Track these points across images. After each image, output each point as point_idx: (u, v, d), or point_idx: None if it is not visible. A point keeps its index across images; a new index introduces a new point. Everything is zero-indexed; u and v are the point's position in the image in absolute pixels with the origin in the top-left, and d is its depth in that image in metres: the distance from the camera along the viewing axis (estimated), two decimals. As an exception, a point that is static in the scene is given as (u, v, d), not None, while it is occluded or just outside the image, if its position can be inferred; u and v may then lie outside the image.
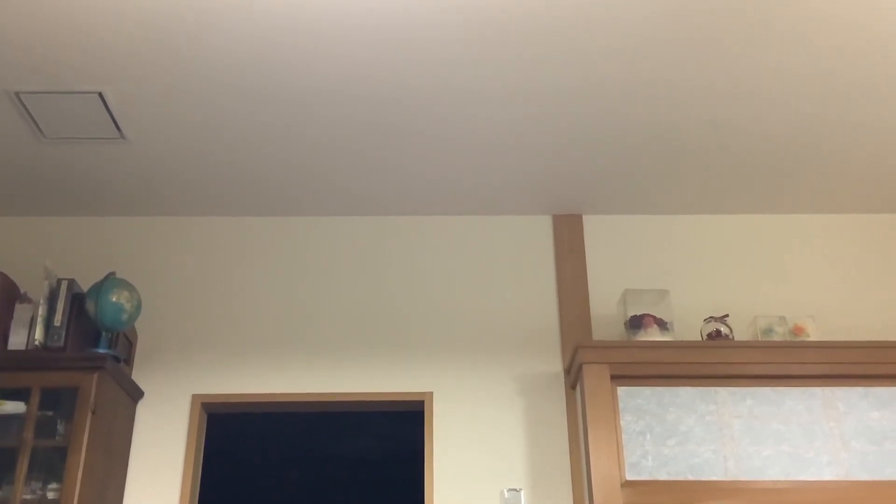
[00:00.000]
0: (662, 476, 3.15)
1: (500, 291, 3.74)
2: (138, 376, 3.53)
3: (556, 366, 3.60)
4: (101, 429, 3.12)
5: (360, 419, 5.42)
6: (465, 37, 2.87)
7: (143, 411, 3.49)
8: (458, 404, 3.52)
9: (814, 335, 3.46)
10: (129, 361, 3.51)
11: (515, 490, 3.36)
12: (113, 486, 3.26)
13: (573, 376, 3.45)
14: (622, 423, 3.23)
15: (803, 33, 2.87)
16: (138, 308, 3.35)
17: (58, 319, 3.24)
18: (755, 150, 3.47)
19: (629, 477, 3.14)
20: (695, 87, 3.12)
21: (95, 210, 3.83)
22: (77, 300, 3.30)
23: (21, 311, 3.28)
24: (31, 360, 3.17)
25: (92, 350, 3.24)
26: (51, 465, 3.09)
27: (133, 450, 3.42)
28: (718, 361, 3.28)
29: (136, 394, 3.47)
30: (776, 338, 3.44)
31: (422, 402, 3.53)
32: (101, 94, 3.10)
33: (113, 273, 3.35)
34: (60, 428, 3.15)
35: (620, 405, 3.25)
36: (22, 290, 3.39)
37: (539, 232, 3.87)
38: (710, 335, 3.46)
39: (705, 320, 3.52)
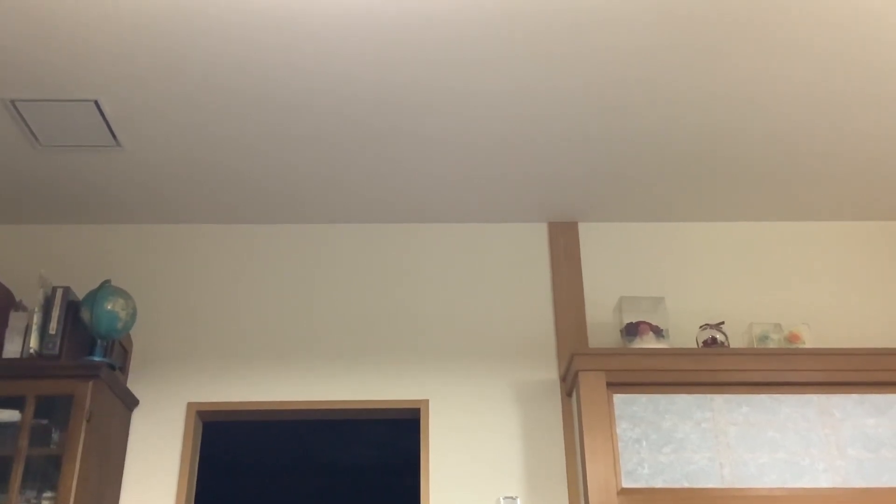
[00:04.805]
0: (658, 483, 3.15)
1: (496, 299, 3.74)
2: (133, 384, 3.53)
3: (551, 373, 3.60)
4: (95, 437, 3.12)
5: (355, 427, 5.41)
6: (462, 41, 2.87)
7: (138, 419, 3.48)
8: (453, 412, 3.52)
9: (809, 342, 3.46)
10: (124, 369, 3.50)
11: (511, 498, 3.35)
12: (108, 494, 3.25)
13: (569, 384, 3.45)
14: (618, 430, 3.22)
15: (800, 41, 2.88)
16: (133, 316, 3.34)
17: (53, 328, 3.24)
18: (751, 157, 3.47)
19: (625, 484, 3.14)
20: (691, 94, 3.12)
21: (91, 218, 3.82)
22: (72, 308, 3.30)
23: (16, 320, 3.28)
24: (25, 368, 3.17)
25: (87, 358, 3.24)
26: (45, 474, 3.08)
27: (128, 458, 3.41)
28: (714, 369, 3.28)
29: (131, 402, 3.46)
30: (772, 345, 3.44)
31: (417, 410, 3.52)
32: (96, 102, 3.10)
33: (108, 281, 3.35)
34: (55, 436, 3.14)
35: (616, 412, 3.25)
36: (17, 299, 3.39)
37: (535, 239, 3.88)
38: (705, 342, 3.46)
39: (701, 327, 3.52)
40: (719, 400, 3.27)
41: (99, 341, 3.27)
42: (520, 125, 3.27)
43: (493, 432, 3.48)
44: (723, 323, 3.53)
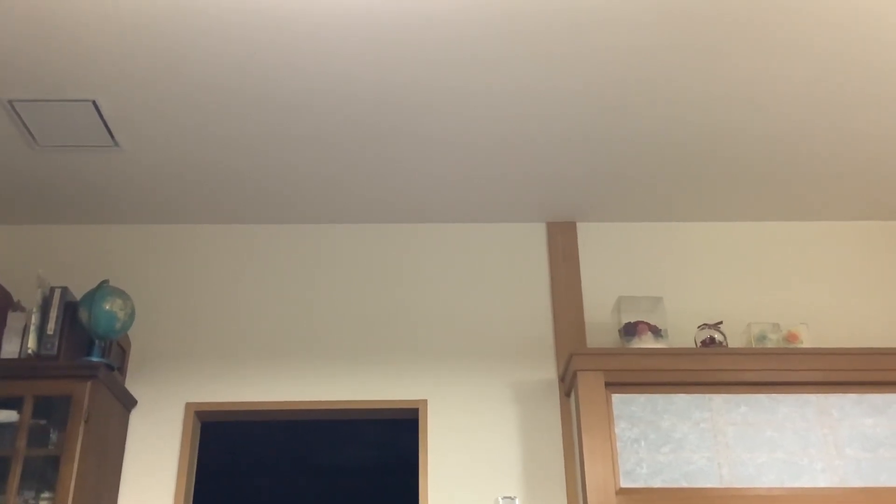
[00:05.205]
0: (657, 483, 3.15)
1: (495, 299, 3.74)
2: (132, 385, 3.52)
3: (550, 373, 3.60)
4: (94, 437, 3.11)
5: (354, 427, 5.41)
6: (462, 41, 2.86)
7: (136, 420, 3.48)
8: (452, 412, 3.52)
9: (807, 342, 3.46)
10: (122, 370, 3.50)
11: (510, 498, 3.35)
12: (106, 495, 3.24)
13: (567, 384, 3.45)
14: (616, 430, 3.23)
15: (800, 41, 2.88)
16: (132, 316, 3.34)
17: (51, 328, 3.23)
18: (750, 157, 3.47)
19: (624, 484, 3.14)
20: (691, 94, 3.12)
21: (89, 218, 3.81)
22: (70, 308, 3.29)
23: (14, 320, 3.28)
24: (23, 368, 3.17)
25: (85, 359, 3.23)
26: (43, 474, 3.08)
27: (126, 459, 3.41)
28: (712, 368, 3.29)
29: (129, 402, 3.45)
30: (770, 345, 3.45)
31: (416, 410, 3.52)
32: (94, 102, 3.09)
33: (106, 281, 3.34)
34: (53, 437, 3.14)
35: (615, 412, 3.25)
36: (15, 299, 3.39)
37: (533, 239, 3.88)
38: (703, 342, 3.47)
39: (699, 327, 3.52)
40: (718, 400, 3.28)
41: (97, 341, 3.27)
42: (520, 125, 3.27)
43: (492, 432, 3.48)
44: (721, 323, 3.53)
